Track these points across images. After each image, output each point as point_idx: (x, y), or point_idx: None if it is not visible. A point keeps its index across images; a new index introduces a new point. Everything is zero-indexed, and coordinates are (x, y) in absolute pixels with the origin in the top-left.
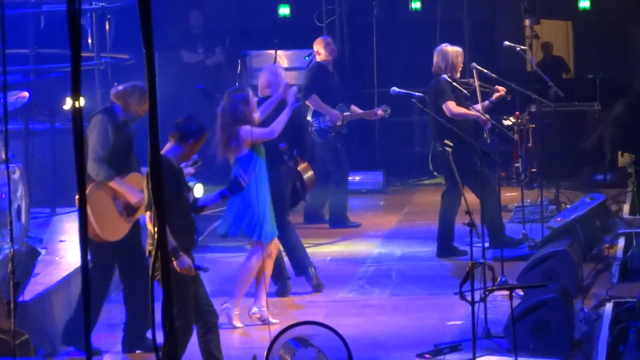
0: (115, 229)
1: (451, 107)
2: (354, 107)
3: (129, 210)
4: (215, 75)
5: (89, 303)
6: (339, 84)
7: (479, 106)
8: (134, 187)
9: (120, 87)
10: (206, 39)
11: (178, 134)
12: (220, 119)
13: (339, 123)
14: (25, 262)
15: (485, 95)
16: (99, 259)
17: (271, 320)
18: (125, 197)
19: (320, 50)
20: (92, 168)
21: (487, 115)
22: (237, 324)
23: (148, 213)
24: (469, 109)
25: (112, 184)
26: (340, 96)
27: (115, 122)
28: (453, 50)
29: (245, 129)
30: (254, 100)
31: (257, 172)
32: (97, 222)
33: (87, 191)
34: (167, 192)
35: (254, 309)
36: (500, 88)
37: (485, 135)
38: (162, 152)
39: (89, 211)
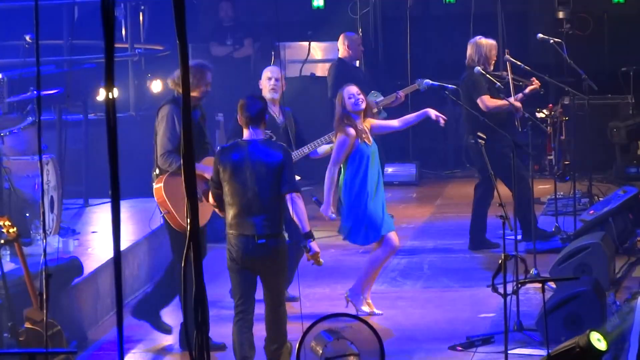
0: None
1: (486, 101)
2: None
3: (207, 193)
4: (244, 68)
5: (121, 290)
6: (367, 78)
7: (512, 99)
8: (210, 167)
9: (176, 74)
10: (236, 31)
11: (262, 119)
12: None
13: None
14: (67, 276)
15: (519, 88)
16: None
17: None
18: (203, 178)
19: (340, 46)
20: (163, 162)
21: (520, 104)
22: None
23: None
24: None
25: None
26: (369, 90)
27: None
28: (487, 42)
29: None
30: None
31: (368, 166)
32: (177, 212)
33: (162, 183)
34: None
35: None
36: (535, 81)
37: (516, 124)
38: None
39: (168, 204)
